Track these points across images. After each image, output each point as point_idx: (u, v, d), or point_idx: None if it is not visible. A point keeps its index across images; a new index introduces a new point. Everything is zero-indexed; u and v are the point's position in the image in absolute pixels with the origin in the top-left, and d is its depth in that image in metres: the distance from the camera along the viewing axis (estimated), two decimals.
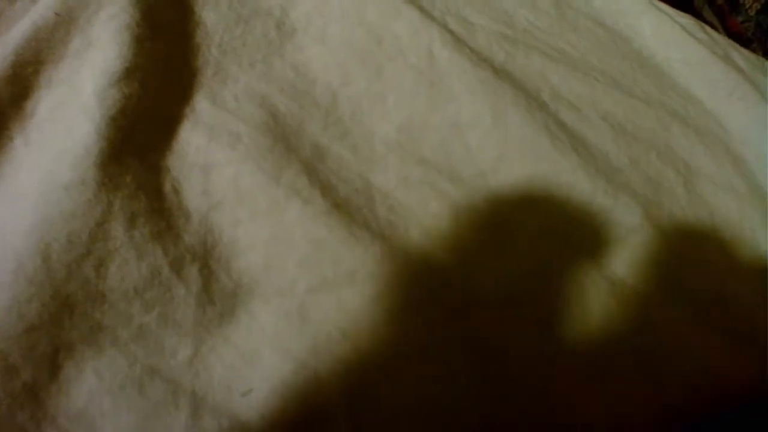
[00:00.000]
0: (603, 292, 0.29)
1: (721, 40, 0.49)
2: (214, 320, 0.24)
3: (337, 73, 0.31)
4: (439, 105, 0.31)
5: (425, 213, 0.28)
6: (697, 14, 0.78)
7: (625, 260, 0.31)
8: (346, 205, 0.27)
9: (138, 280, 0.23)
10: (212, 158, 0.26)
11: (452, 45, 0.33)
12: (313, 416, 0.23)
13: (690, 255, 0.33)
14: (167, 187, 0.25)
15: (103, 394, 0.22)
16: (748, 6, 0.78)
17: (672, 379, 0.28)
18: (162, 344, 0.23)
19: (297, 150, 0.27)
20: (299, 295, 0.25)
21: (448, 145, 0.30)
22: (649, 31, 0.43)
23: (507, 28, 0.37)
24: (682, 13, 0.49)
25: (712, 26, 0.70)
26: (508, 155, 0.30)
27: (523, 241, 0.29)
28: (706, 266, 0.33)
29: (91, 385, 0.22)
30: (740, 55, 0.48)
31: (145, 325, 0.23)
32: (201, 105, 0.28)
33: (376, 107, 0.30)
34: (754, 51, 0.74)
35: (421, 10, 0.35)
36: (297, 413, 0.23)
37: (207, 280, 0.24)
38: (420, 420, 0.23)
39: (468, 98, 0.31)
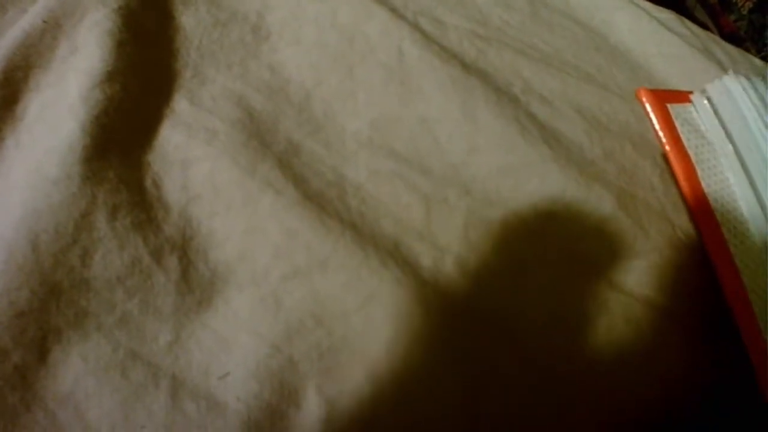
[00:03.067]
0: (580, 284, 0.31)
1: (702, 34, 0.51)
2: (192, 307, 0.26)
3: (310, 73, 0.33)
4: (408, 101, 0.33)
5: (396, 204, 0.30)
6: (689, 13, 0.80)
7: (597, 250, 0.33)
8: (319, 197, 0.29)
9: (120, 269, 0.25)
10: (191, 154, 0.29)
11: (422, 43, 0.35)
12: (287, 398, 0.25)
13: (665, 244, 0.34)
14: (148, 182, 0.28)
15: (88, 377, 0.24)
16: (740, 5, 0.79)
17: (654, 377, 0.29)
18: (143, 330, 0.25)
19: (271, 146, 0.30)
20: (273, 283, 0.27)
21: (417, 139, 0.32)
22: (625, 25, 0.45)
23: (480, 27, 0.39)
24: (661, 9, 0.51)
25: (704, 26, 0.73)
26: (478, 148, 0.33)
27: (495, 232, 0.31)
28: (681, 253, 0.34)
29: (77, 369, 0.24)
30: (721, 49, 0.50)
31: (128, 312, 0.25)
32: (180, 105, 0.30)
33: (347, 104, 0.32)
34: (747, 49, 0.76)
35: (393, 11, 0.37)
36: (272, 395, 0.25)
37: (185, 269, 0.26)
38: (390, 400, 0.25)
39: (437, 94, 0.33)
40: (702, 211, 0.33)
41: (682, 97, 0.36)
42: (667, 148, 0.34)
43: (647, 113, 0.35)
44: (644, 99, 0.35)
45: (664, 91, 0.36)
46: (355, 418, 0.25)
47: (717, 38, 0.53)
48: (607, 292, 0.31)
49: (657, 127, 0.35)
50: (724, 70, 0.46)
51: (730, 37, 0.81)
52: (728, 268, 0.31)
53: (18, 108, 0.29)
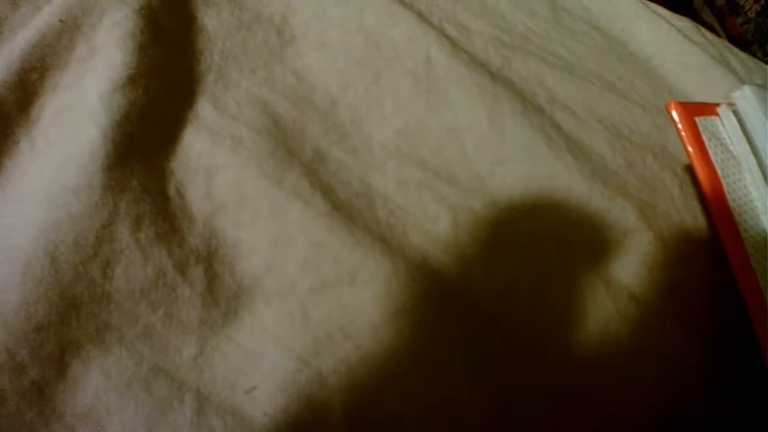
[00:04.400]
0: (601, 295, 0.31)
1: (718, 42, 0.52)
2: (218, 320, 0.26)
3: (336, 79, 0.33)
4: (436, 110, 0.33)
5: (424, 216, 0.30)
6: (696, 16, 0.81)
7: (621, 261, 0.33)
8: (347, 208, 0.29)
9: (144, 281, 0.25)
10: (215, 162, 0.28)
11: (449, 50, 0.35)
12: (316, 413, 0.25)
13: (686, 256, 0.35)
14: (172, 191, 0.27)
15: (109, 392, 0.23)
16: (747, 8, 0.81)
17: (661, 377, 0.30)
18: (167, 343, 0.25)
19: (298, 154, 0.30)
20: (300, 296, 0.27)
21: (445, 149, 0.32)
22: (645, 34, 0.46)
23: (504, 33, 0.39)
24: (678, 16, 0.52)
25: (712, 28, 0.74)
26: (504, 158, 0.33)
27: (522, 243, 0.32)
28: (702, 267, 0.35)
29: (97, 383, 0.24)
30: (736, 58, 0.51)
31: (151, 325, 0.25)
32: (204, 110, 0.30)
33: (374, 112, 0.32)
34: (753, 53, 0.77)
35: (419, 15, 0.38)
36: (299, 410, 0.25)
37: (211, 281, 0.26)
38: (418, 414, 0.25)
39: (465, 103, 0.34)
40: (726, 226, 0.33)
41: (708, 109, 0.36)
42: (695, 162, 0.35)
43: (677, 127, 0.35)
44: (674, 112, 0.36)
45: (693, 103, 0.37)
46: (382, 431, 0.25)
47: (731, 46, 0.54)
48: (629, 303, 0.32)
49: (686, 141, 0.35)
50: (741, 79, 0.47)
51: (737, 40, 0.82)
52: (750, 282, 0.32)
53: (33, 110, 0.28)
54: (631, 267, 0.33)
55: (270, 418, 0.24)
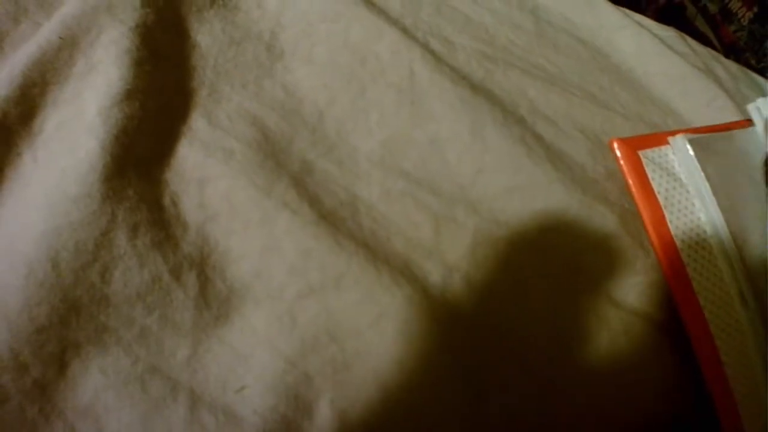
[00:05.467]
0: (581, 300, 0.33)
1: (703, 52, 0.54)
2: (210, 323, 0.28)
3: (323, 93, 0.35)
4: (419, 122, 0.35)
5: (407, 223, 0.32)
6: (690, 25, 0.83)
7: (601, 268, 0.35)
8: (333, 217, 0.31)
9: (140, 285, 0.27)
10: (208, 173, 0.30)
11: (432, 64, 0.37)
12: (302, 411, 0.27)
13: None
14: (166, 200, 0.29)
15: (107, 390, 0.25)
16: (740, 15, 0.82)
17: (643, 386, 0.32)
18: (162, 344, 0.27)
19: (286, 165, 0.32)
20: (289, 300, 0.29)
21: (428, 159, 0.34)
22: (629, 45, 0.48)
23: (487, 47, 0.42)
24: (663, 26, 0.54)
25: (705, 36, 0.75)
26: (485, 168, 0.35)
27: (501, 250, 0.33)
28: None
29: (96, 382, 0.25)
30: (722, 66, 0.53)
31: (147, 327, 0.27)
32: (197, 123, 0.32)
33: (360, 124, 0.35)
34: (746, 60, 0.79)
35: (404, 31, 0.40)
36: (287, 408, 0.26)
37: (203, 285, 0.28)
38: (399, 412, 0.27)
39: (447, 115, 0.36)
40: (666, 250, 0.35)
41: (658, 140, 0.38)
42: (635, 195, 0.37)
43: (618, 162, 0.38)
44: (616, 147, 0.38)
45: (639, 138, 0.39)
46: (365, 429, 0.27)
47: (718, 55, 0.56)
48: (608, 308, 0.33)
49: (626, 174, 0.37)
50: (725, 89, 0.49)
51: (730, 47, 0.84)
52: (691, 304, 0.34)
53: (35, 123, 0.30)
54: (610, 273, 0.35)
55: (259, 416, 0.26)
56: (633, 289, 0.34)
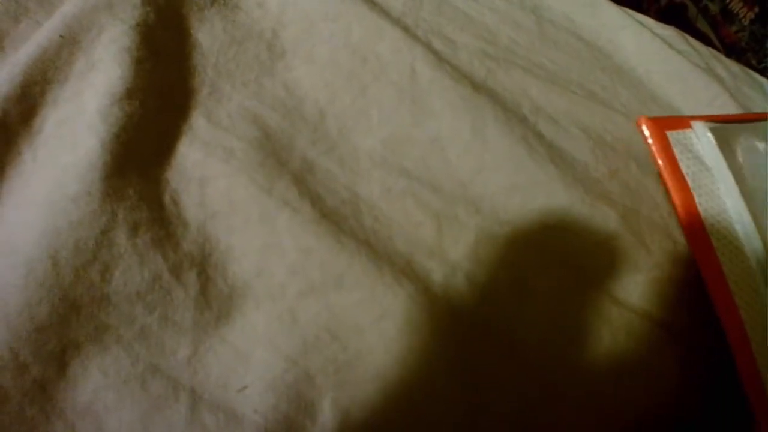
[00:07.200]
0: (581, 298, 0.34)
1: (704, 51, 0.54)
2: (211, 322, 0.28)
3: (324, 92, 0.36)
4: (420, 120, 0.36)
5: (408, 222, 0.32)
6: (691, 25, 0.84)
7: (602, 266, 0.35)
8: (334, 215, 0.31)
9: (140, 284, 0.27)
10: (208, 172, 0.31)
11: (434, 63, 0.38)
12: (303, 410, 0.27)
13: (669, 261, 0.37)
14: (167, 199, 0.30)
15: (107, 390, 0.25)
16: (741, 16, 0.83)
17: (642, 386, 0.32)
18: (163, 344, 0.27)
19: (287, 164, 0.32)
20: (290, 299, 0.29)
21: (429, 158, 0.35)
22: (630, 44, 0.49)
23: (489, 45, 0.42)
24: (664, 26, 0.54)
25: (706, 37, 0.76)
26: (486, 167, 0.35)
27: (503, 248, 0.34)
28: (683, 270, 0.37)
29: (96, 381, 0.25)
30: (723, 66, 0.54)
31: (147, 326, 0.27)
32: (197, 122, 0.32)
33: (360, 123, 0.35)
34: (747, 60, 0.79)
35: (405, 30, 0.40)
36: (288, 408, 0.27)
37: (204, 284, 0.28)
38: (400, 410, 0.27)
39: (448, 114, 0.36)
40: (696, 233, 0.35)
41: (682, 123, 0.38)
42: (665, 174, 0.37)
43: (647, 142, 0.38)
44: (644, 127, 0.38)
45: (664, 118, 0.39)
46: (367, 428, 0.27)
47: (719, 54, 0.56)
48: (610, 307, 0.34)
49: (656, 154, 0.37)
50: (726, 87, 0.49)
51: (731, 47, 0.84)
52: (720, 288, 0.34)
53: (35, 122, 0.31)
54: (612, 271, 0.35)
55: (261, 415, 0.26)
56: (635, 288, 0.35)
